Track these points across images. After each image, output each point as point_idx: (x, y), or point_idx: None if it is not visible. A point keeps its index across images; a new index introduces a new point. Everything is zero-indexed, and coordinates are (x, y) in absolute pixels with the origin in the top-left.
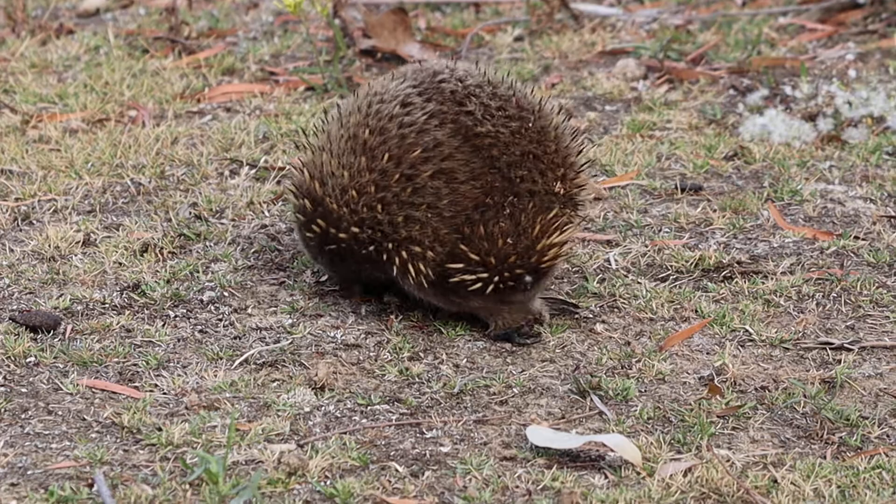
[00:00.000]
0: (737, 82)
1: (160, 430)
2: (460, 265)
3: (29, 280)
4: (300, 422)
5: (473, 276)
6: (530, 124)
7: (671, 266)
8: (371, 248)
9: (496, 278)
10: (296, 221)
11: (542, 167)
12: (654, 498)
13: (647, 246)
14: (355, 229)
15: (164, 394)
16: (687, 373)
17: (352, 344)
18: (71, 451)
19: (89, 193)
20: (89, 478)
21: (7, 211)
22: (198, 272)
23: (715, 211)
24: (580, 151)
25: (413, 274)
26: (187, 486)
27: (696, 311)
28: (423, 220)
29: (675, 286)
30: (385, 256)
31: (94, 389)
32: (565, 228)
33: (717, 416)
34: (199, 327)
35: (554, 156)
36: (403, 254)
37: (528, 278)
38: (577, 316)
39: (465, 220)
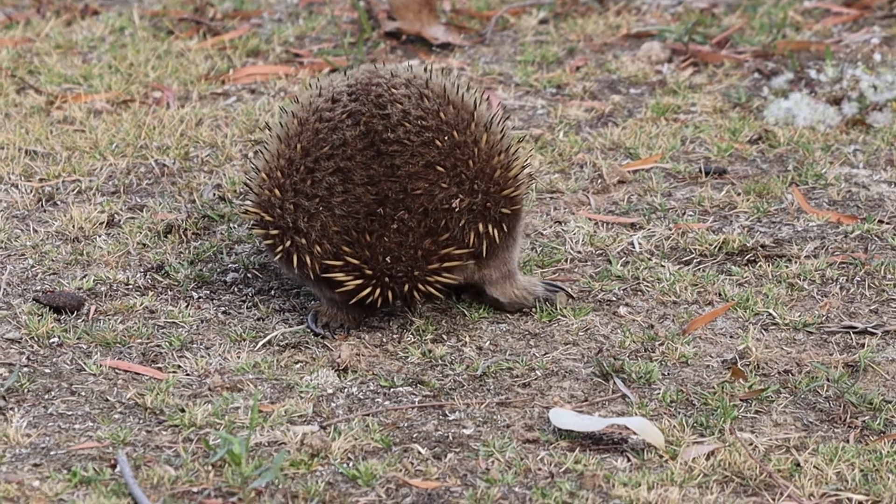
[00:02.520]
0: (762, 66)
1: (183, 411)
2: (339, 263)
3: (53, 261)
4: (323, 403)
5: (349, 278)
6: (446, 138)
7: (695, 249)
8: (268, 241)
9: (368, 290)
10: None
11: (445, 182)
12: (677, 481)
13: (670, 229)
14: (257, 210)
15: (188, 375)
16: (710, 356)
17: (375, 326)
18: (94, 432)
19: (113, 174)
20: (112, 458)
21: (31, 191)
22: (221, 253)
23: (739, 194)
24: (507, 167)
25: (297, 266)
26: (210, 468)
27: (720, 295)
28: (313, 212)
29: (699, 269)
30: (277, 248)
31: (117, 370)
32: (453, 257)
33: (740, 400)
34: (223, 309)
35: (466, 170)
36: (287, 242)
37: (398, 303)
38: (571, 297)
39: (355, 224)
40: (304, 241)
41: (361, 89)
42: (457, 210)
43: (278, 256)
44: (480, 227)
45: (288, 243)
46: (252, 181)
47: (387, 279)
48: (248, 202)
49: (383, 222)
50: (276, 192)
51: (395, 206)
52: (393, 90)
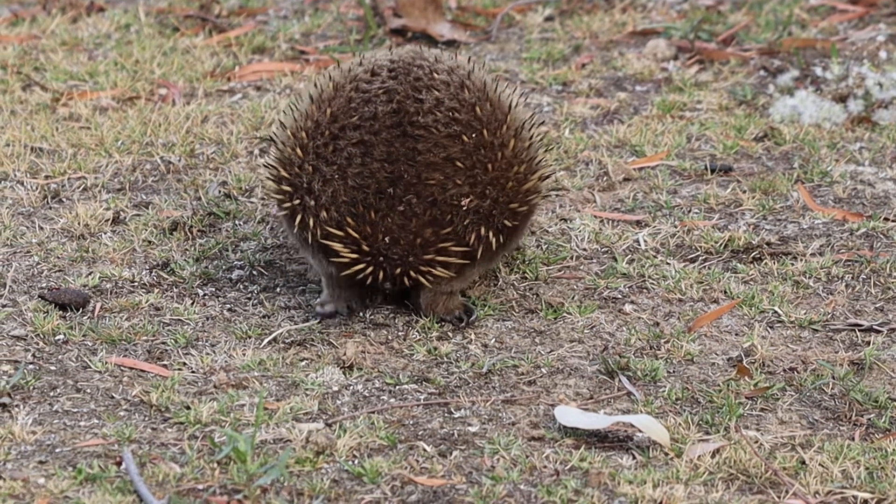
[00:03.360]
0: (767, 63)
1: (188, 408)
2: (341, 233)
3: (58, 258)
4: (328, 401)
5: (346, 250)
6: (474, 135)
7: (700, 247)
8: (279, 195)
9: (361, 266)
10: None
11: (460, 179)
12: (682, 479)
13: (676, 226)
14: (276, 165)
15: (193, 372)
16: (715, 354)
17: (380, 323)
18: (99, 429)
19: (119, 171)
20: (117, 456)
21: (37, 188)
22: (227, 250)
23: (744, 192)
24: (523, 180)
25: (299, 227)
26: (215, 465)
27: (725, 292)
28: (328, 177)
29: (705, 267)
30: (285, 203)
31: (122, 367)
32: (451, 251)
33: (746, 398)
34: (228, 306)
35: (483, 174)
36: (296, 201)
37: (387, 285)
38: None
39: (364, 199)
40: (313, 203)
41: (402, 68)
42: (465, 209)
43: (284, 213)
44: (482, 230)
45: (297, 202)
46: (278, 136)
47: (381, 259)
48: (270, 156)
49: (391, 203)
50: (298, 151)
51: (406, 189)
52: (434, 75)
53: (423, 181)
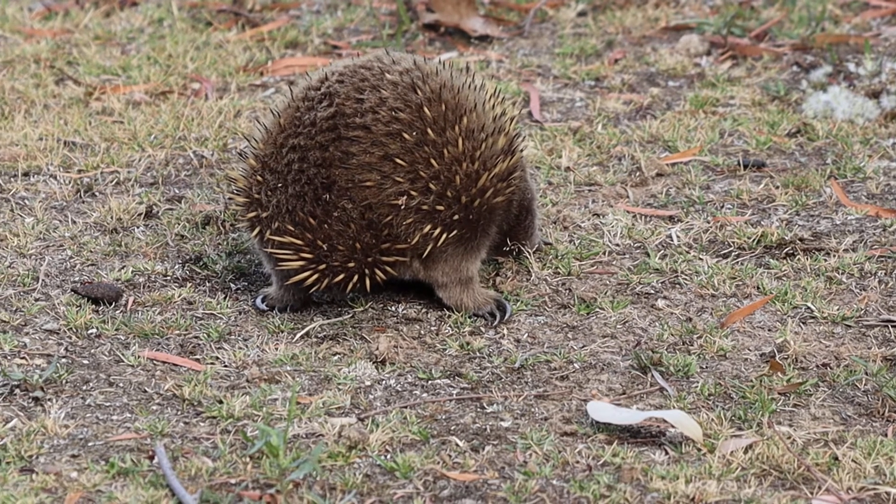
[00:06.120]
0: (800, 59)
1: (221, 402)
2: (284, 240)
3: (91, 252)
4: (361, 395)
5: (292, 257)
6: (414, 133)
7: (733, 242)
8: (238, 207)
9: (306, 274)
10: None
11: (400, 177)
12: (715, 474)
13: (709, 222)
14: (236, 177)
15: (226, 366)
16: (748, 349)
17: (413, 318)
18: (132, 423)
19: (152, 166)
20: (150, 450)
21: (70, 182)
22: None
23: (777, 188)
24: (474, 176)
25: (255, 236)
26: (248, 459)
27: (758, 288)
28: (272, 188)
29: (738, 263)
30: (242, 213)
31: (155, 361)
32: (393, 253)
33: (779, 393)
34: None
35: (425, 169)
36: (252, 213)
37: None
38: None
39: (302, 206)
40: (264, 214)
41: (351, 72)
42: (402, 207)
43: (243, 224)
44: (428, 227)
45: (252, 214)
46: (249, 149)
47: (323, 266)
48: (241, 167)
49: (326, 209)
50: (252, 162)
51: (340, 195)
52: (386, 75)
53: (358, 184)
